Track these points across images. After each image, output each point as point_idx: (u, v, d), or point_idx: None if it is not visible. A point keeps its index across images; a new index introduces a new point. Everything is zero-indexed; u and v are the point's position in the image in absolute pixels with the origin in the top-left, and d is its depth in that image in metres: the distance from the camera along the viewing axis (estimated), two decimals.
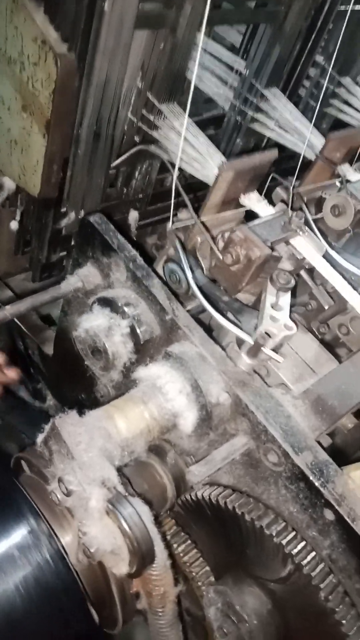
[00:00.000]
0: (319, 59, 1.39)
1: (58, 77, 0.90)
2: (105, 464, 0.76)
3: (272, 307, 0.80)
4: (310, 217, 0.95)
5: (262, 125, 1.32)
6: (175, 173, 0.85)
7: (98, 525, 0.73)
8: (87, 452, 0.75)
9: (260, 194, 1.02)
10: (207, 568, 0.97)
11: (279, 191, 1.00)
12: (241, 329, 0.80)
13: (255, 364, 0.79)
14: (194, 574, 0.96)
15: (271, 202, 1.00)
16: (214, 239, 0.87)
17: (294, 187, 0.98)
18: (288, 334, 0.78)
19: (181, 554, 0.96)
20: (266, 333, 0.77)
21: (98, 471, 0.75)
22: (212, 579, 0.96)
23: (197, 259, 0.91)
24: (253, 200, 0.94)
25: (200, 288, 0.86)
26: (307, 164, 1.12)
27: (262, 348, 0.77)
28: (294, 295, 1.03)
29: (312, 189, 1.03)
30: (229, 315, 0.86)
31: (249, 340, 0.77)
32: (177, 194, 0.93)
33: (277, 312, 0.80)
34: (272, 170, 1.19)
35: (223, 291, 0.88)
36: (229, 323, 0.80)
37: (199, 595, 0.96)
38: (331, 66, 1.32)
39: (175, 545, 0.96)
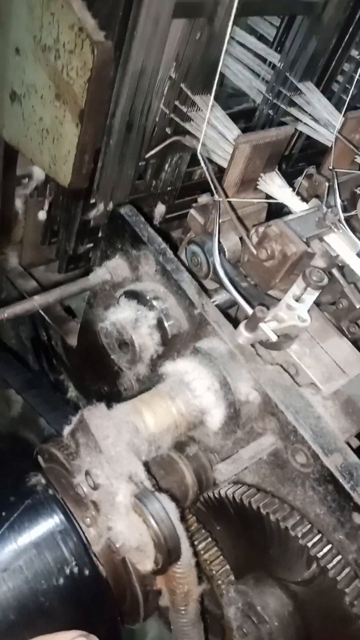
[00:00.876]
0: (354, 53, 1.36)
1: (94, 65, 0.89)
2: (133, 459, 0.75)
3: (294, 298, 0.79)
4: (341, 212, 0.92)
5: (294, 120, 1.29)
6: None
7: (124, 521, 0.72)
8: (115, 446, 0.74)
9: (293, 190, 1.00)
10: (227, 567, 0.96)
11: (303, 182, 0.98)
12: (250, 305, 0.79)
13: (252, 338, 0.78)
14: (214, 572, 0.95)
15: (299, 195, 0.98)
16: (239, 219, 0.86)
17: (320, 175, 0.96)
18: (298, 325, 0.76)
19: (201, 552, 0.95)
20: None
21: (125, 466, 0.74)
22: (232, 577, 0.95)
23: (219, 241, 0.90)
24: (275, 186, 0.92)
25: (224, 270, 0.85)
26: None
27: (260, 323, 0.76)
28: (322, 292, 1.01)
29: (336, 174, 1.00)
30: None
31: (249, 310, 0.76)
32: (208, 188, 0.92)
33: (296, 303, 0.78)
34: (305, 165, 1.17)
35: (243, 277, 0.87)
36: (236, 293, 0.79)
37: (218, 594, 0.95)
38: None
39: (195, 543, 0.96)
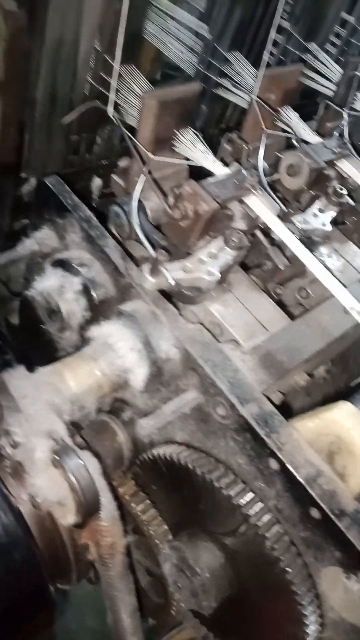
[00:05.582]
0: (286, 24, 1.38)
1: (8, 35, 0.89)
2: (52, 417, 0.76)
3: (209, 255, 0.81)
4: (263, 175, 0.95)
5: (227, 91, 1.31)
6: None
7: (44, 476, 0.74)
8: (33, 404, 0.76)
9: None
10: (165, 526, 0.98)
11: (225, 145, 1.01)
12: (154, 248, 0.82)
13: (157, 282, 0.81)
14: (152, 532, 0.97)
15: (222, 160, 1.01)
16: (155, 181, 0.88)
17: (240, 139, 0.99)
18: (205, 278, 0.79)
19: (139, 513, 0.98)
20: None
21: (44, 423, 0.75)
22: (170, 537, 0.98)
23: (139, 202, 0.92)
24: (196, 150, 0.94)
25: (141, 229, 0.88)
26: None
27: (160, 266, 0.79)
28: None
29: (255, 138, 1.03)
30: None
31: (152, 254, 0.79)
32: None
33: (209, 259, 0.81)
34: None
35: (162, 236, 0.89)
36: (145, 241, 0.83)
37: (157, 553, 0.97)
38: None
39: (134, 505, 0.98)
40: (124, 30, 0.87)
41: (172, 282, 0.79)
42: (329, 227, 1.09)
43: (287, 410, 0.92)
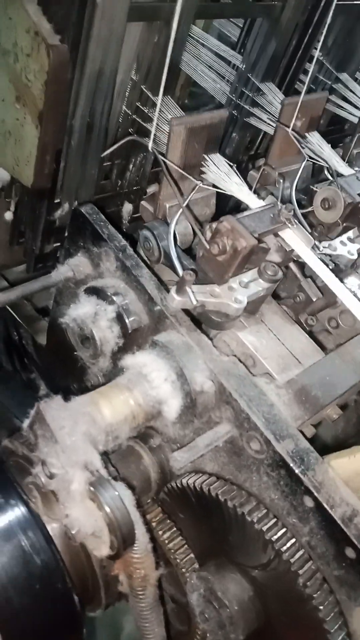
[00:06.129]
0: (318, 54, 1.39)
1: (50, 68, 0.91)
2: (89, 448, 0.77)
3: (240, 284, 0.83)
4: (296, 207, 0.96)
5: (258, 120, 1.32)
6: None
7: (80, 508, 0.75)
8: (71, 435, 0.76)
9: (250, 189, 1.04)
10: (192, 555, 0.98)
11: (253, 173, 1.02)
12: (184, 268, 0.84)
13: (183, 302, 0.83)
14: (178, 560, 0.97)
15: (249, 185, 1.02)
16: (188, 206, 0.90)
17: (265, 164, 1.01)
18: (231, 305, 0.80)
19: (166, 541, 0.98)
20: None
21: (81, 455, 0.76)
22: (197, 565, 0.97)
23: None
24: (233, 184, 0.96)
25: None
26: None
27: (186, 286, 0.81)
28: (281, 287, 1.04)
29: (281, 164, 1.04)
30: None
31: (180, 272, 0.80)
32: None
33: (239, 287, 0.82)
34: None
35: (191, 260, 0.90)
36: (178, 262, 0.86)
37: (183, 582, 0.97)
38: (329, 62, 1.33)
39: (160, 533, 0.98)
40: (167, 66, 0.89)
41: (195, 302, 0.81)
42: (355, 256, 1.10)
43: (313, 439, 0.92)
